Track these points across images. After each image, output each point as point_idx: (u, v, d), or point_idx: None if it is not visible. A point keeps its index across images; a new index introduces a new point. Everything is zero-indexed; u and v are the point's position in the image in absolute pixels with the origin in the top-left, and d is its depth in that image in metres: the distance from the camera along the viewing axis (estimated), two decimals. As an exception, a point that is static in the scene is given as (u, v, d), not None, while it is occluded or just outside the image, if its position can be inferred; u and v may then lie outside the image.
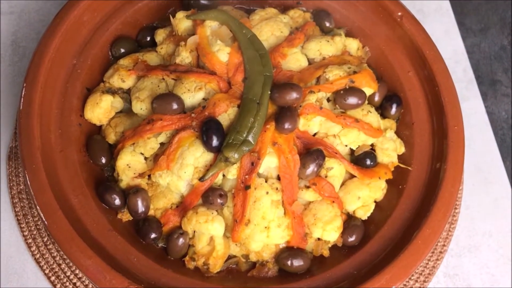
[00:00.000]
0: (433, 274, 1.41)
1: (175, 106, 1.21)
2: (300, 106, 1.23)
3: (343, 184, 1.28)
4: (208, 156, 1.19)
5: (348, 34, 1.47)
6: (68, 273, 1.33)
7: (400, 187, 1.31)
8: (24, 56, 1.56)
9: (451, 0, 1.83)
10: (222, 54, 1.25)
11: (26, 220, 1.38)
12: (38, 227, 1.36)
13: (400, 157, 1.35)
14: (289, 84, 1.21)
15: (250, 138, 1.17)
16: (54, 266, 1.34)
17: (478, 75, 1.79)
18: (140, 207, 1.20)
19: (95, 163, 1.28)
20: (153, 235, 1.20)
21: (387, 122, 1.37)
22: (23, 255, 1.36)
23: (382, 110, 1.39)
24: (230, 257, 1.25)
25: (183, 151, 1.18)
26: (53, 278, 1.33)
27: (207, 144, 1.17)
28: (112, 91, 1.33)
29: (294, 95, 1.20)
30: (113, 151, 1.29)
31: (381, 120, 1.35)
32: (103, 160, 1.27)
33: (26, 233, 1.37)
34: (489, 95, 1.76)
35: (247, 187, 1.16)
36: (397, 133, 1.38)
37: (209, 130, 1.17)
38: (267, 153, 1.19)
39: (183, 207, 1.22)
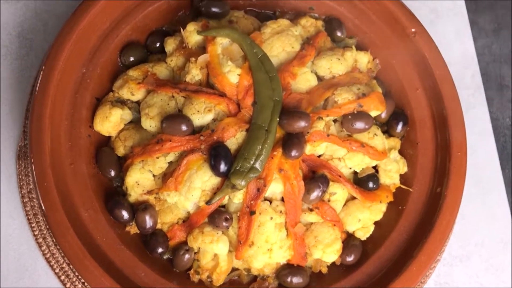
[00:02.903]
0: (425, 283, 1.48)
1: (184, 127, 1.22)
2: (308, 132, 1.24)
3: (344, 204, 1.32)
4: (215, 180, 1.22)
5: (359, 44, 1.46)
6: (77, 273, 1.39)
7: (399, 207, 1.35)
8: (32, 49, 1.54)
9: (466, -3, 1.80)
10: (233, 75, 1.25)
11: (36, 220, 1.42)
12: (48, 226, 1.40)
13: (402, 176, 1.38)
14: (298, 112, 1.22)
15: (257, 165, 1.19)
16: (64, 265, 1.40)
17: (486, 79, 1.79)
18: (148, 223, 1.25)
19: (104, 175, 1.31)
20: (160, 250, 1.26)
21: (392, 141, 1.38)
22: (34, 253, 1.41)
23: (387, 127, 1.40)
24: (233, 269, 1.30)
25: (191, 174, 1.21)
26: (63, 277, 1.39)
27: (215, 169, 1.20)
28: (121, 101, 1.34)
29: (302, 123, 1.21)
30: (122, 163, 1.31)
31: (386, 140, 1.36)
32: (112, 173, 1.30)
33: (36, 232, 1.42)
34: (495, 100, 1.76)
35: (252, 213, 1.20)
36: (401, 150, 1.40)
37: (217, 156, 1.19)
38: (273, 179, 1.22)
39: (189, 223, 1.26)
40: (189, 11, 1.43)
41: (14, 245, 1.42)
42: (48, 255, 1.41)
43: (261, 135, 1.20)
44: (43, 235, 1.41)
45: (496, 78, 1.76)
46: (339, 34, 1.44)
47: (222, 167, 1.19)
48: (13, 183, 1.45)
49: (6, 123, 1.48)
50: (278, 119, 1.22)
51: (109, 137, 1.35)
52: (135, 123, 1.34)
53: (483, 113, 1.66)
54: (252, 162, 1.19)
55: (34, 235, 1.42)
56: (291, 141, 1.21)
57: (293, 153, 1.21)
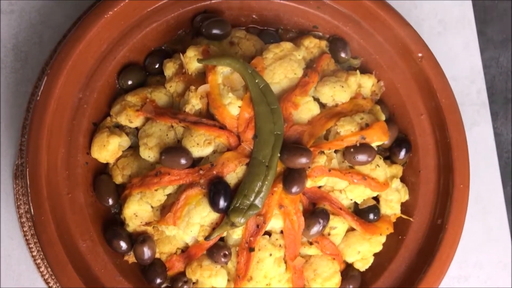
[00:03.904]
0: (422, 304, 1.49)
1: (183, 161, 1.20)
2: (309, 167, 1.22)
3: (344, 235, 1.31)
4: (214, 215, 1.20)
5: (364, 65, 1.42)
6: (76, 295, 1.40)
7: (399, 237, 1.34)
8: (27, 63, 1.50)
9: (474, 0, 1.73)
10: (233, 107, 1.22)
11: (35, 240, 1.41)
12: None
13: (402, 204, 1.36)
14: (299, 149, 1.19)
15: (257, 202, 1.18)
16: (62, 286, 1.40)
17: (492, 93, 1.75)
18: (147, 255, 1.24)
19: (102, 204, 1.29)
20: (158, 281, 1.26)
21: (394, 169, 1.36)
22: (33, 274, 1.42)
23: (390, 153, 1.38)
24: (231, 297, 1.31)
25: (190, 209, 1.20)
26: (62, 298, 1.40)
27: (214, 206, 1.18)
28: (119, 126, 1.31)
29: (303, 160, 1.19)
30: (120, 190, 1.29)
31: (388, 168, 1.34)
32: (110, 202, 1.28)
33: (34, 253, 1.41)
34: (500, 114, 1.73)
35: (251, 250, 1.19)
36: (402, 177, 1.38)
37: (216, 193, 1.17)
38: (273, 215, 1.20)
39: (187, 255, 1.26)
40: (189, 30, 1.39)
41: (13, 266, 1.42)
42: (46, 276, 1.41)
43: (261, 171, 1.18)
44: (41, 256, 1.41)
45: (502, 92, 1.73)
46: (343, 55, 1.40)
47: (222, 203, 1.18)
48: (10, 203, 1.44)
49: (2, 141, 1.45)
50: (279, 154, 1.20)
51: (107, 164, 1.32)
52: (134, 148, 1.31)
53: (487, 130, 1.64)
54: (252, 199, 1.17)
55: (33, 256, 1.42)
56: (292, 177, 1.19)
57: (294, 189, 1.19)
